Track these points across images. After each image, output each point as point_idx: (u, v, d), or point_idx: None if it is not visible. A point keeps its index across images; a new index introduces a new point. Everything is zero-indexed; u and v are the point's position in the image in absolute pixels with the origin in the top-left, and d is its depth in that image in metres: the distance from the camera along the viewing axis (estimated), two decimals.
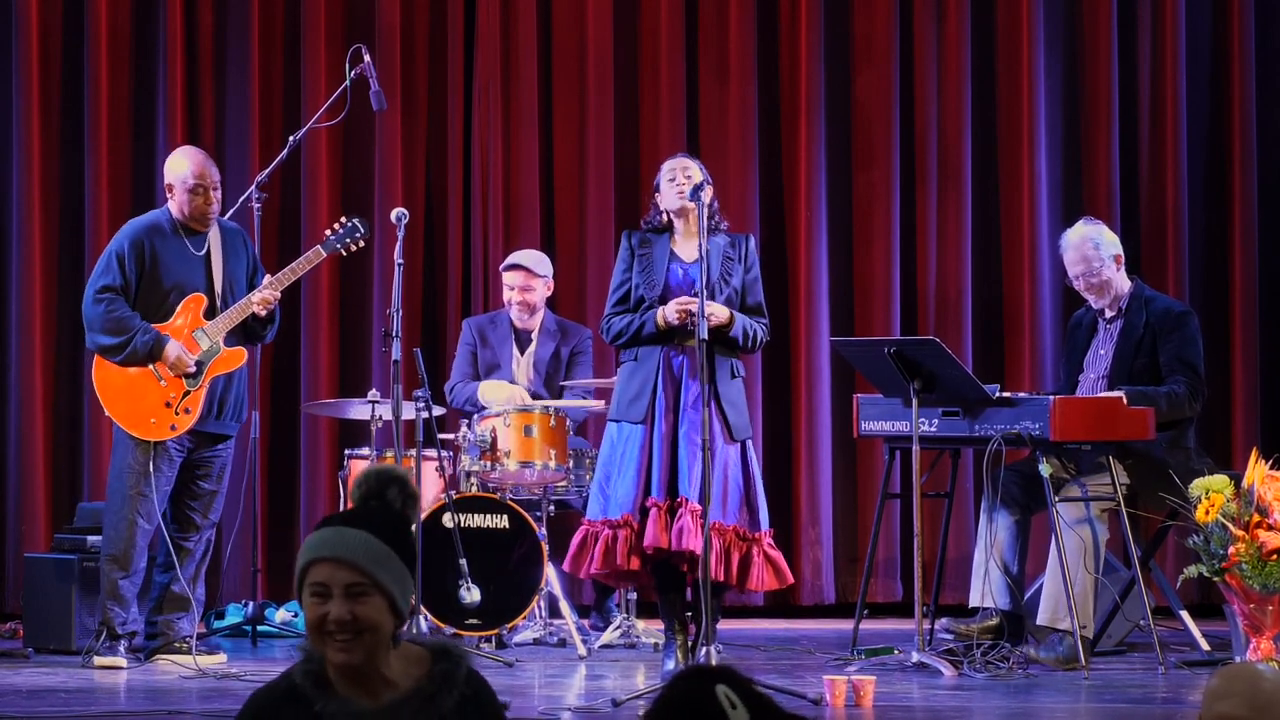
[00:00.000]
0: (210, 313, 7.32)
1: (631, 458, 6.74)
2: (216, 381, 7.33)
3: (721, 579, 6.68)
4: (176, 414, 7.26)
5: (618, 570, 6.76)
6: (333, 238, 7.51)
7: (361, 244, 7.55)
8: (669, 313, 6.72)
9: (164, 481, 7.25)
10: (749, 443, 6.88)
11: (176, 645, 7.29)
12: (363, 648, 3.31)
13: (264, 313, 7.38)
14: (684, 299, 6.72)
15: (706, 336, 6.58)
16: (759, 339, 6.86)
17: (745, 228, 8.70)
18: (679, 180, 6.82)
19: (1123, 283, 7.52)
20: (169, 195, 7.42)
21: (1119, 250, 7.52)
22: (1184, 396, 7.32)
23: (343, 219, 7.56)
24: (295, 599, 3.44)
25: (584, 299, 9.18)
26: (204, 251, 7.38)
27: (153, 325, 7.26)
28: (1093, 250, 7.46)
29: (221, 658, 7.35)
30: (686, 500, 6.64)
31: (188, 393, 7.27)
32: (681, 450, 6.69)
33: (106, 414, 7.34)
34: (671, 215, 6.90)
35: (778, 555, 6.84)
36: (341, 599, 3.31)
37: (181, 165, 7.42)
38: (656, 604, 7.04)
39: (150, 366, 7.24)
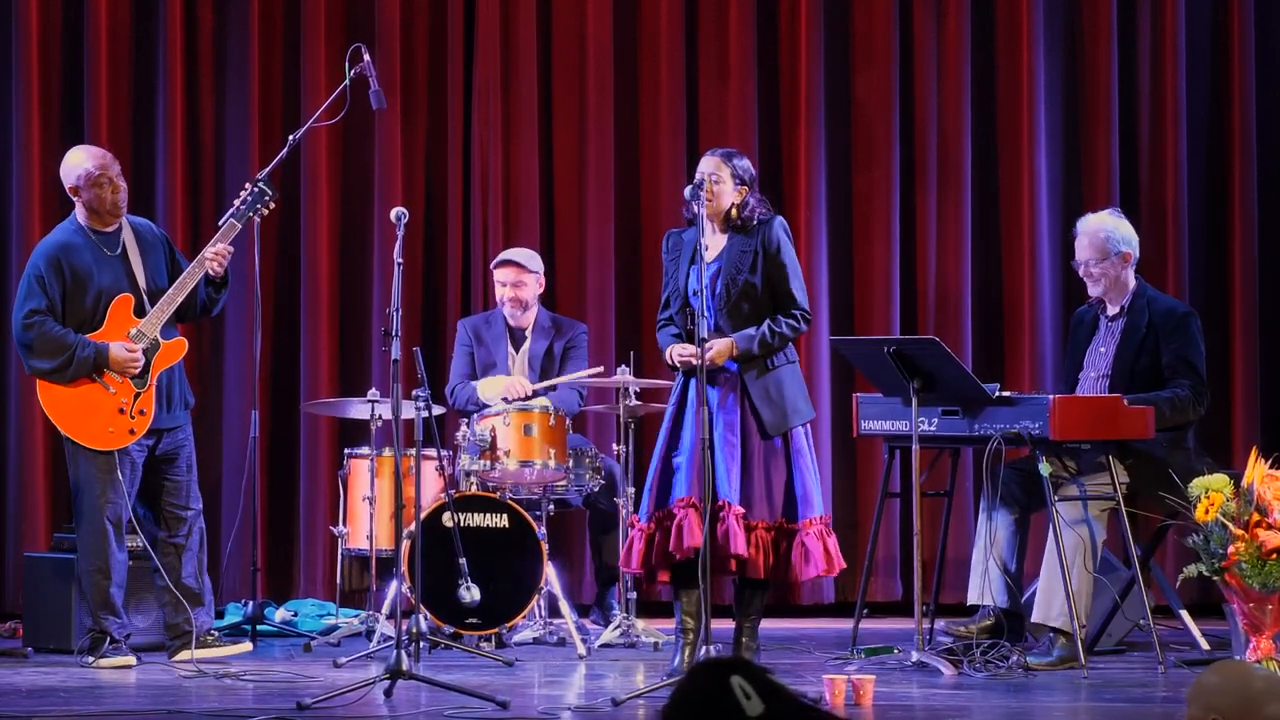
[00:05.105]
0: (140, 310, 7.28)
1: (652, 467, 6.82)
2: (160, 376, 7.31)
3: (763, 576, 6.75)
4: (132, 418, 7.23)
5: (631, 570, 6.85)
6: (243, 207, 7.42)
7: (272, 205, 7.48)
8: (674, 359, 6.81)
9: (128, 483, 7.23)
10: (794, 432, 6.86)
11: (202, 640, 7.28)
12: None
13: (220, 269, 7.32)
14: (683, 351, 6.76)
15: (706, 335, 6.61)
16: (786, 335, 6.85)
17: None
18: (703, 186, 6.83)
19: (1128, 281, 7.51)
20: (74, 199, 7.35)
21: (1131, 249, 7.48)
22: (1188, 400, 7.30)
23: (247, 185, 7.49)
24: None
25: (583, 298, 9.17)
26: (119, 251, 7.34)
27: (88, 336, 7.22)
28: (1103, 242, 7.45)
29: (247, 646, 7.38)
30: (729, 504, 6.67)
31: (138, 395, 7.24)
32: (718, 452, 6.70)
33: (63, 434, 7.28)
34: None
35: (817, 545, 6.81)
36: None
37: (80, 162, 7.35)
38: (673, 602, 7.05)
39: (97, 378, 7.22)
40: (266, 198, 7.45)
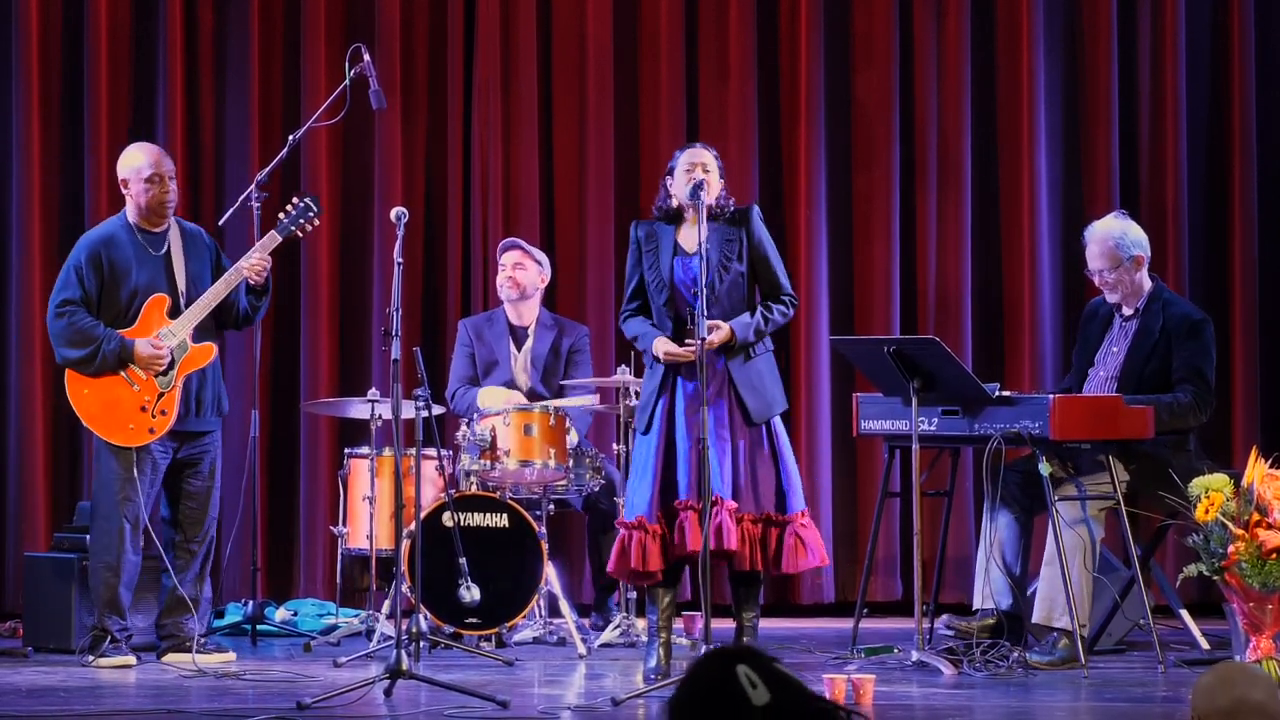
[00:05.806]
0: (174, 312, 7.30)
1: (648, 465, 6.77)
2: (190, 379, 7.31)
3: (748, 568, 6.73)
4: (153, 416, 7.24)
5: (632, 571, 6.78)
6: (286, 220, 7.46)
7: (316, 223, 7.53)
8: (658, 353, 6.77)
9: (148, 484, 7.24)
10: (774, 421, 6.85)
11: (187, 645, 7.29)
12: None
13: (260, 279, 7.36)
14: (670, 349, 6.73)
15: (705, 334, 6.61)
16: (777, 322, 6.85)
17: None
18: (696, 175, 6.84)
19: (1143, 283, 7.49)
20: (125, 191, 7.39)
21: (1142, 251, 7.45)
22: (1188, 406, 7.28)
23: (294, 199, 7.53)
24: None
25: (584, 299, 9.17)
26: (164, 251, 7.37)
27: (118, 331, 7.24)
28: (1113, 249, 7.43)
29: (230, 656, 7.37)
30: (721, 499, 6.65)
31: (162, 394, 7.25)
32: (710, 448, 6.69)
33: (85, 426, 7.32)
34: (681, 203, 6.91)
35: (809, 536, 6.81)
36: None
37: (136, 158, 7.40)
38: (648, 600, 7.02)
39: (121, 373, 7.22)
40: (311, 214, 7.47)
